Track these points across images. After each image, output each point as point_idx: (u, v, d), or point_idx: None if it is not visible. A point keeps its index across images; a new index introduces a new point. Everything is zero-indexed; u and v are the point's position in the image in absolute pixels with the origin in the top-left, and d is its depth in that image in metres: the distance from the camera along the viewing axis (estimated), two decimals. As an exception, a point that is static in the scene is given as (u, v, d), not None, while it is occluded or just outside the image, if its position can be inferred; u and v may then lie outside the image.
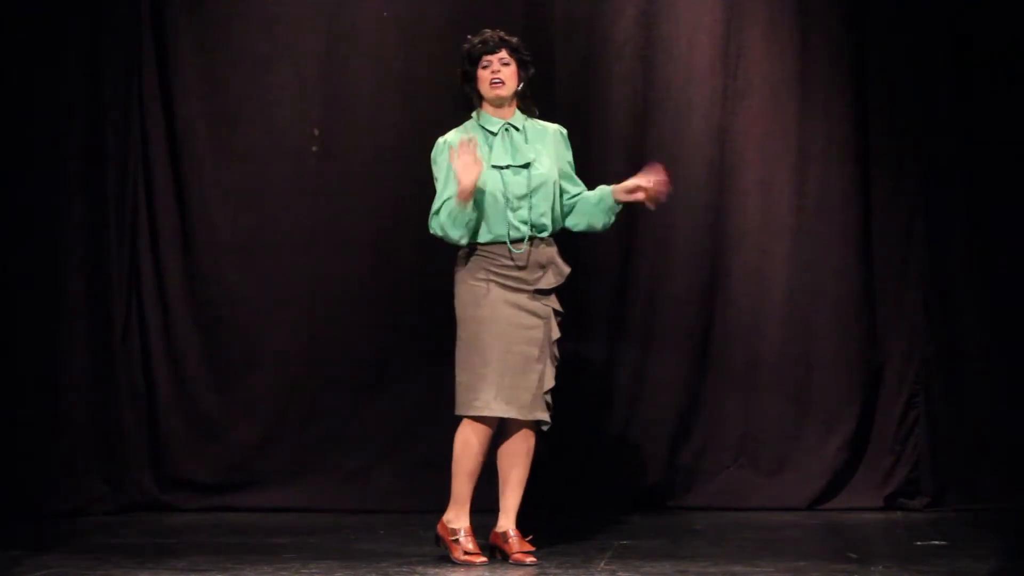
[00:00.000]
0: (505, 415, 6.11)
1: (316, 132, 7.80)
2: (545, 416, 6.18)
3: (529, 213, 6.18)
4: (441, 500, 7.39)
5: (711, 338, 7.74)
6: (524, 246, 6.17)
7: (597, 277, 7.70)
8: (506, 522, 6.29)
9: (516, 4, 7.70)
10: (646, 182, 6.24)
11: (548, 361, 6.19)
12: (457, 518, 6.23)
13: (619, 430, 7.74)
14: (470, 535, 6.22)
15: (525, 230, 6.18)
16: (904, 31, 7.64)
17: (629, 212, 7.71)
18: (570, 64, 7.73)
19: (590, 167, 7.60)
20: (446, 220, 6.10)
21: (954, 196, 7.63)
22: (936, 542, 6.64)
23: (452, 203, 6.09)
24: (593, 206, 6.32)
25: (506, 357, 6.10)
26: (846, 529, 7.19)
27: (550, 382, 6.20)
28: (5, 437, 7.45)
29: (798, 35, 7.72)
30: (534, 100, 6.35)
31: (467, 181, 6.04)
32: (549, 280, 6.21)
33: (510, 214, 6.17)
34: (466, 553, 6.18)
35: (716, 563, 6.13)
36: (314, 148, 7.81)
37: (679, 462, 7.72)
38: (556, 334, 6.23)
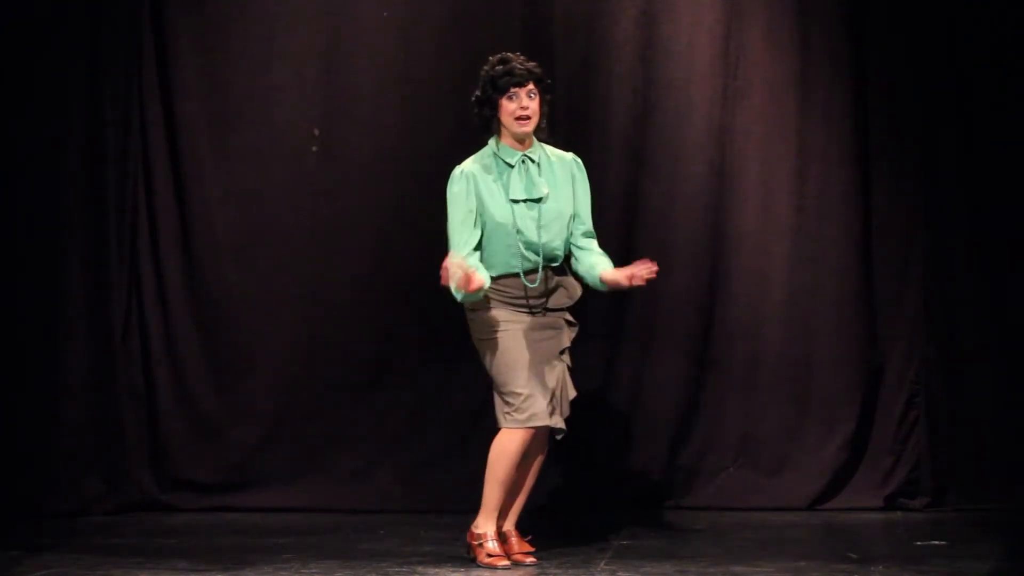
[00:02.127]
0: (541, 424, 6.12)
1: (316, 132, 7.80)
2: (562, 424, 6.22)
3: (540, 246, 6.20)
4: (441, 500, 7.41)
5: (711, 338, 7.74)
6: (538, 276, 6.20)
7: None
8: (506, 523, 6.29)
9: (516, 4, 7.70)
10: (629, 279, 6.16)
11: (564, 368, 6.25)
12: (485, 523, 6.22)
13: (619, 430, 7.73)
14: (496, 539, 6.21)
15: (537, 260, 6.20)
16: (904, 31, 7.64)
17: (629, 212, 7.74)
18: (570, 64, 7.73)
19: (590, 168, 7.58)
20: (454, 291, 6.11)
21: (954, 196, 7.63)
22: (936, 542, 6.64)
23: (454, 286, 6.04)
24: (584, 276, 6.32)
25: (530, 368, 6.13)
26: (846, 529, 7.19)
27: (572, 391, 6.27)
28: (5, 437, 7.45)
29: (798, 35, 7.71)
30: (548, 122, 6.36)
31: (472, 287, 6.00)
32: (557, 300, 6.26)
33: (522, 247, 6.18)
34: (489, 555, 6.17)
35: (716, 563, 6.14)
36: (314, 148, 7.80)
37: (679, 462, 7.72)
38: (565, 343, 6.28)
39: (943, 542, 6.63)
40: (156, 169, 7.79)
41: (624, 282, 6.18)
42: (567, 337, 6.29)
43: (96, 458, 7.60)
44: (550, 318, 6.25)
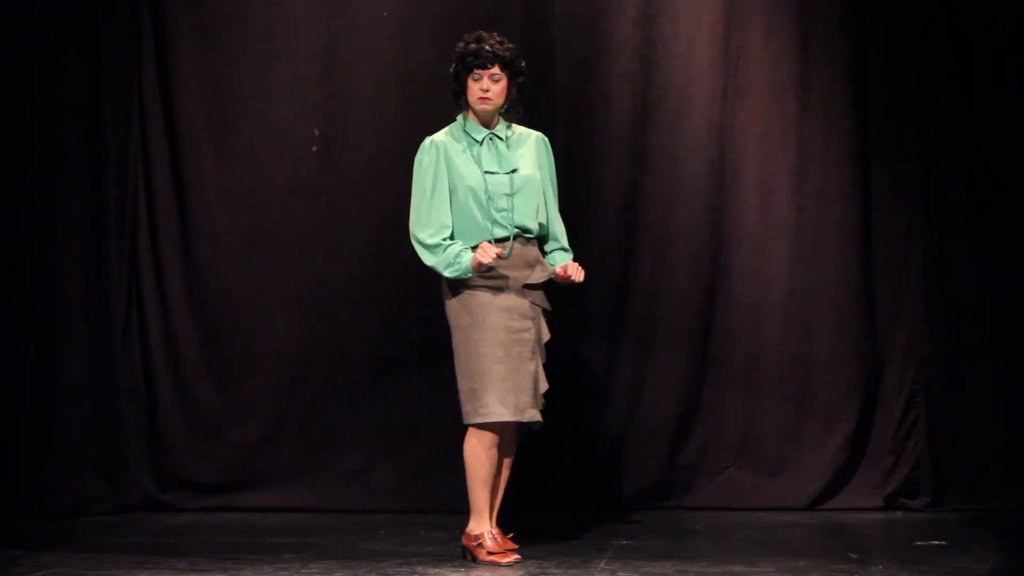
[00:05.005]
0: (510, 419, 6.12)
1: (316, 132, 7.80)
2: (538, 416, 6.21)
3: (512, 213, 6.21)
4: (441, 500, 7.41)
5: (711, 338, 7.74)
6: (510, 244, 6.19)
7: (597, 277, 7.68)
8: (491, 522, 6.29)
9: (516, 4, 7.70)
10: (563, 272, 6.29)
11: (539, 361, 6.23)
12: (478, 525, 6.23)
13: (619, 430, 7.73)
14: (493, 537, 6.21)
15: (510, 229, 6.21)
16: (904, 31, 7.64)
17: (629, 212, 7.74)
18: (570, 64, 7.73)
19: (590, 167, 7.63)
20: (446, 270, 6.18)
21: (954, 196, 7.63)
22: (936, 542, 6.64)
23: (463, 265, 6.12)
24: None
25: (503, 362, 6.12)
26: (846, 529, 7.19)
27: (545, 384, 6.25)
28: (5, 437, 7.45)
29: (798, 35, 7.71)
30: (523, 105, 6.36)
31: (487, 259, 6.09)
32: (538, 276, 6.25)
33: (495, 213, 6.19)
34: (490, 553, 6.17)
35: (716, 563, 6.13)
36: (314, 148, 7.80)
37: (679, 462, 7.72)
38: (546, 335, 6.28)
39: (943, 542, 6.63)
40: (156, 169, 7.79)
41: (561, 274, 6.28)
42: (546, 329, 6.28)
43: (96, 458, 7.60)
44: (528, 305, 6.21)
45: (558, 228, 6.44)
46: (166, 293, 7.80)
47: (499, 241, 6.20)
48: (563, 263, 6.33)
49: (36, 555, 6.42)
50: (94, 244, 7.64)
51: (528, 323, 6.21)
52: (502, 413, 6.10)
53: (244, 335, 7.80)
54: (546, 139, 6.43)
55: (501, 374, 6.11)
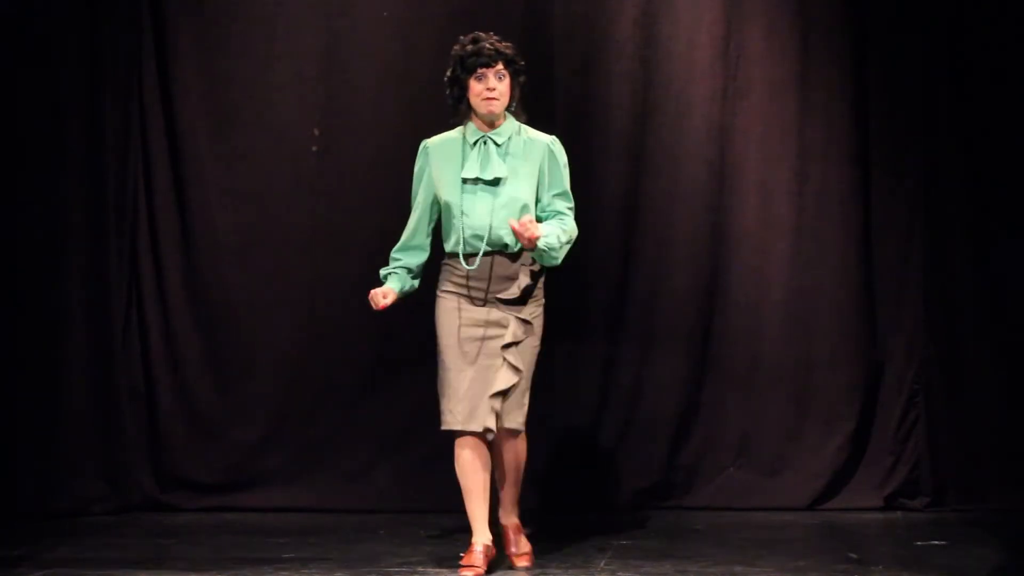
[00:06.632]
0: (458, 428, 6.01)
1: (316, 132, 7.80)
2: (490, 424, 6.00)
3: (489, 231, 6.08)
4: (441, 500, 7.41)
5: (711, 338, 7.74)
6: (477, 260, 6.07)
7: (597, 277, 7.70)
8: (502, 516, 6.24)
9: (516, 4, 7.70)
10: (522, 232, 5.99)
11: (504, 366, 6.04)
12: (474, 533, 6.11)
13: (619, 430, 7.73)
14: (471, 548, 6.06)
15: (479, 245, 6.08)
16: (904, 31, 7.64)
17: (629, 212, 7.74)
18: (570, 64, 7.73)
19: (590, 167, 7.63)
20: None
21: (954, 196, 7.63)
22: (936, 542, 6.65)
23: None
24: None
25: (459, 370, 6.03)
26: (846, 529, 7.19)
27: (500, 385, 6.03)
28: (5, 437, 7.45)
29: (798, 35, 7.71)
30: (525, 105, 6.30)
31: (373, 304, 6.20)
32: (513, 292, 6.09)
33: (466, 229, 6.09)
34: (459, 565, 6.06)
35: (716, 563, 6.14)
36: (314, 148, 7.81)
37: (679, 462, 7.72)
38: (507, 339, 6.05)
39: (943, 542, 6.64)
40: (156, 169, 7.80)
41: (520, 229, 5.94)
42: (511, 334, 6.05)
43: (96, 458, 7.60)
44: (501, 314, 6.08)
45: (550, 211, 6.14)
46: (166, 293, 7.81)
47: (467, 256, 6.11)
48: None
49: (36, 555, 6.42)
50: (94, 244, 7.65)
51: (496, 329, 6.07)
52: (450, 422, 6.02)
53: (244, 335, 7.80)
54: (554, 143, 6.22)
55: (454, 382, 6.03)
